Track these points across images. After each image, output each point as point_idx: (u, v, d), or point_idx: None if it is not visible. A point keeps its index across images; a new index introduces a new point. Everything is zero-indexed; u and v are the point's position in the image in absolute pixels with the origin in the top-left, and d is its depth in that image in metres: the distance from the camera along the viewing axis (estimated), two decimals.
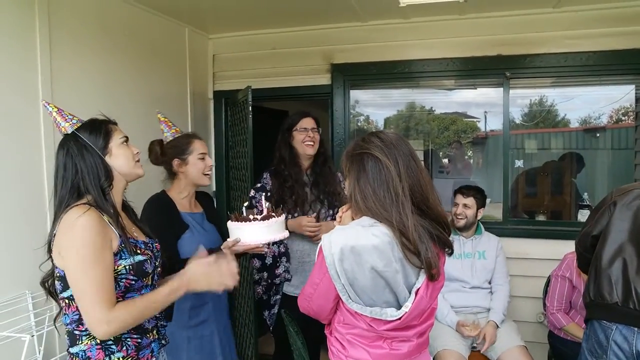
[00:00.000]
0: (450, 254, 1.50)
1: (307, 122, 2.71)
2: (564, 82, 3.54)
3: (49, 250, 1.47)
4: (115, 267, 1.44)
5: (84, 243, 1.36)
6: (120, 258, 1.46)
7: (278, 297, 2.71)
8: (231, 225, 2.01)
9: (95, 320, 1.35)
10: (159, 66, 3.32)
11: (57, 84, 2.40)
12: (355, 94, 3.86)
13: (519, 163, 4.15)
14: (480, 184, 6.62)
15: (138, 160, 1.63)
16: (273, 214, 2.02)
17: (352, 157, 1.49)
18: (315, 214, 2.66)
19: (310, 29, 3.68)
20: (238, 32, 3.85)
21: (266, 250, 2.05)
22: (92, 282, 1.35)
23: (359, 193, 1.46)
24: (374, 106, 4.95)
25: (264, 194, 2.65)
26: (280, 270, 2.68)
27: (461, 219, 2.96)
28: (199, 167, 2.19)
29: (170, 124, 2.31)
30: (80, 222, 1.37)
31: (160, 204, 2.15)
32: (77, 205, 1.43)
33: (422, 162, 1.50)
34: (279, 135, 2.76)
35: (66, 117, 1.52)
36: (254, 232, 1.95)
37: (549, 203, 4.22)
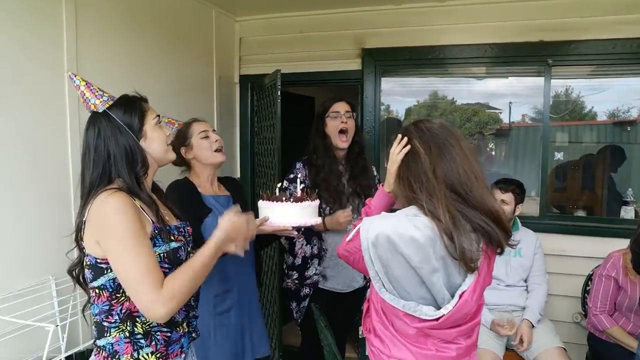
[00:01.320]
0: (500, 253, 1.37)
1: (340, 106, 2.59)
2: (610, 70, 3.34)
3: (78, 238, 1.39)
4: None
5: (121, 228, 1.28)
6: (155, 245, 1.37)
7: (308, 290, 2.62)
8: (261, 204, 1.93)
9: (149, 303, 1.26)
10: (185, 49, 3.23)
11: (82, 63, 2.32)
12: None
13: (558, 155, 3.96)
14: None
15: (170, 144, 1.54)
16: (307, 197, 1.93)
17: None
18: (351, 207, 2.55)
19: (340, 11, 3.54)
20: (266, 15, 3.73)
21: (295, 233, 1.97)
22: (138, 266, 1.27)
23: (398, 183, 1.43)
24: (396, 95, 4.80)
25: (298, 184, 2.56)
26: (310, 273, 2.58)
27: None
28: (205, 146, 2.12)
29: (173, 121, 2.23)
30: (112, 206, 1.29)
31: (181, 187, 2.08)
32: (106, 190, 1.34)
33: (471, 151, 1.37)
34: (313, 125, 2.64)
35: (96, 93, 1.42)
36: (285, 213, 1.86)
37: (586, 198, 4.04)
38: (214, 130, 2.20)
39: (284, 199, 1.88)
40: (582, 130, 5.12)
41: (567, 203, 4.02)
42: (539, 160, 3.41)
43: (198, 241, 1.94)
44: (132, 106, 1.44)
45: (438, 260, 1.26)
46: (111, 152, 1.38)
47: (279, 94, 3.05)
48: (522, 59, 3.29)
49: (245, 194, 2.43)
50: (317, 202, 1.98)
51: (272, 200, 1.89)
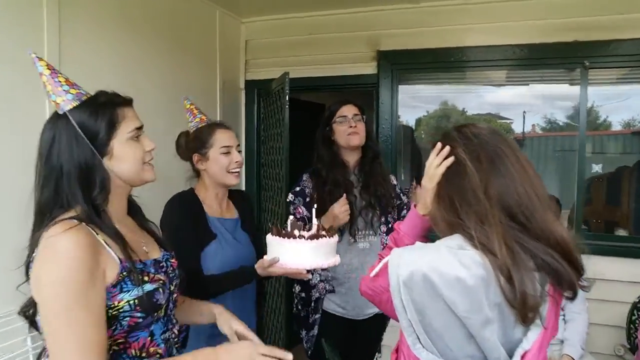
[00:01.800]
0: (572, 298, 1.06)
1: (347, 110, 2.30)
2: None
3: (28, 273, 1.12)
4: (115, 304, 1.08)
5: (63, 277, 1.00)
6: (122, 291, 1.09)
7: (318, 315, 2.32)
8: (270, 240, 1.64)
9: None
10: (186, 52, 2.97)
11: (66, 65, 2.06)
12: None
13: (596, 168, 3.63)
14: None
15: (150, 160, 1.25)
16: (324, 232, 1.64)
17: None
18: (363, 222, 2.27)
19: (354, 11, 3.27)
20: (273, 15, 3.48)
21: (310, 277, 1.68)
22: (70, 333, 0.99)
23: (437, 203, 1.13)
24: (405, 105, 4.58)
25: (302, 199, 2.28)
26: (315, 281, 2.28)
27: None
28: (222, 164, 1.83)
29: (196, 111, 1.96)
30: (63, 246, 1.01)
31: (185, 205, 1.80)
32: (62, 220, 1.07)
33: (529, 164, 1.07)
34: (317, 133, 2.37)
35: (59, 88, 1.14)
36: (298, 252, 1.57)
37: (620, 214, 3.70)
38: (238, 146, 1.91)
39: (297, 234, 1.59)
40: (606, 141, 4.79)
41: (591, 218, 3.69)
42: (572, 172, 3.09)
43: (195, 272, 1.68)
44: (101, 112, 1.15)
45: (492, 308, 0.97)
46: (64, 168, 1.10)
47: (287, 99, 2.78)
48: (555, 61, 2.99)
49: (254, 212, 2.14)
50: (336, 238, 1.69)
51: (283, 237, 1.60)
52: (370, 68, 3.31)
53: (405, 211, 2.46)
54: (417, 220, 1.24)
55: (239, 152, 1.90)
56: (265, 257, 1.66)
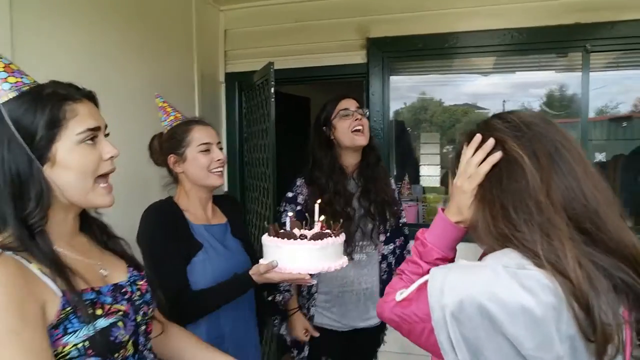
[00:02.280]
0: None
1: (348, 103, 2.07)
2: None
3: None
4: (60, 350, 0.85)
5: None
6: (66, 332, 0.87)
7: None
8: (267, 241, 1.42)
9: None
10: (160, 42, 2.70)
11: (20, 55, 1.79)
12: None
13: (600, 157, 3.49)
14: None
15: (107, 173, 1.01)
16: (329, 231, 1.42)
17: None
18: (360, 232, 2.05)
19: None
20: (254, 2, 3.22)
21: (314, 282, 1.45)
22: None
23: (482, 210, 0.89)
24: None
25: (294, 207, 2.05)
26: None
27: None
28: (202, 163, 1.61)
29: (169, 109, 1.73)
30: None
31: (162, 214, 1.57)
32: None
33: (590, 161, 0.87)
34: (312, 134, 2.13)
35: None
36: (300, 255, 1.36)
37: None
38: (219, 143, 1.69)
39: (298, 235, 1.37)
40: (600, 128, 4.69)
41: None
42: None
43: (179, 290, 1.44)
44: (41, 106, 0.92)
45: (563, 342, 0.77)
46: None
47: (272, 91, 2.54)
48: (555, 45, 2.82)
49: (242, 219, 1.91)
50: (343, 237, 1.46)
51: (282, 237, 1.38)
52: (359, 57, 3.09)
53: (404, 218, 2.26)
54: (448, 229, 1.01)
55: (220, 149, 1.68)
56: (261, 261, 1.45)
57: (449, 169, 1.05)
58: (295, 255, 1.35)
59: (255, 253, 1.84)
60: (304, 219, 1.98)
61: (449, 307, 0.80)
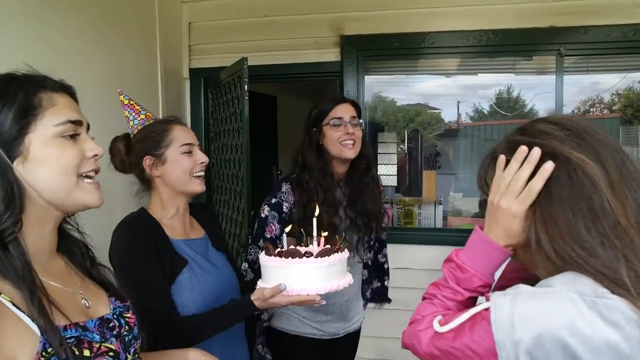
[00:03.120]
0: None
1: (343, 111, 1.87)
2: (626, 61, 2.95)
3: None
4: None
5: None
6: None
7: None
8: (268, 261, 1.26)
9: None
10: (120, 36, 2.47)
11: None
12: None
13: None
14: (474, 180, 6.24)
15: (90, 173, 0.86)
16: (335, 247, 1.29)
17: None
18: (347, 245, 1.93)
19: None
20: None
21: (324, 302, 1.30)
22: None
23: (539, 231, 0.77)
24: None
25: (278, 215, 1.88)
26: None
27: None
28: (185, 166, 1.44)
29: (138, 107, 1.54)
30: None
31: (139, 230, 1.38)
32: None
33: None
34: (303, 134, 1.94)
35: None
36: (306, 275, 1.22)
37: None
38: (199, 146, 1.52)
39: (304, 253, 1.23)
40: None
41: None
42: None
43: (164, 314, 1.26)
44: (12, 92, 0.77)
45: None
46: None
47: (246, 89, 2.39)
48: (529, 48, 2.83)
49: (221, 226, 1.74)
50: (347, 253, 1.34)
51: (286, 256, 1.23)
52: (333, 55, 2.98)
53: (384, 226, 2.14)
54: (494, 254, 0.86)
55: (202, 152, 1.52)
56: (260, 283, 1.29)
57: (478, 186, 0.92)
58: (303, 275, 1.22)
59: (237, 266, 1.69)
60: (281, 233, 1.85)
61: (524, 344, 0.69)
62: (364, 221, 1.92)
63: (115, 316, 0.90)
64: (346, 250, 1.32)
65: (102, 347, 0.80)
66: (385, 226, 2.07)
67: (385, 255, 2.19)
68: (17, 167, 0.77)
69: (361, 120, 1.92)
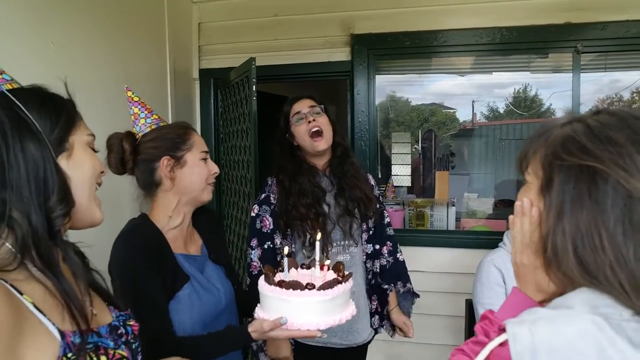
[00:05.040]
0: None
1: (301, 105, 1.94)
2: None
3: None
4: None
5: None
6: None
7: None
8: (268, 291, 1.20)
9: None
10: (129, 36, 2.46)
11: None
12: None
13: None
14: (490, 180, 6.14)
15: (100, 183, 0.90)
16: (338, 276, 1.22)
17: (566, 169, 0.71)
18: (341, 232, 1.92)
19: None
20: None
21: (325, 336, 1.23)
22: None
23: (580, 242, 0.68)
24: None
25: (268, 208, 1.89)
26: None
27: None
28: (202, 174, 1.41)
29: (150, 108, 1.51)
30: None
31: (142, 241, 1.32)
32: None
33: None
34: (276, 140, 2.00)
35: None
36: (309, 308, 1.15)
37: None
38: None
39: (306, 285, 1.16)
40: None
41: None
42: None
43: (160, 333, 1.21)
44: (57, 104, 0.84)
45: None
46: (9, 167, 0.74)
47: (254, 89, 2.37)
48: (545, 45, 2.75)
49: (223, 237, 1.69)
50: (351, 282, 1.27)
51: (287, 288, 1.16)
52: (343, 54, 2.94)
53: (387, 218, 2.13)
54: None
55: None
56: (258, 311, 1.23)
57: (517, 166, 0.85)
58: (304, 308, 1.16)
59: (236, 277, 1.64)
60: (277, 222, 1.86)
61: None
62: (355, 206, 1.95)
63: (121, 323, 0.88)
64: (350, 280, 1.25)
65: (116, 353, 0.80)
66: (376, 210, 2.04)
67: (401, 252, 2.14)
68: (61, 161, 0.81)
69: (320, 107, 1.94)
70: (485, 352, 0.71)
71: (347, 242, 1.94)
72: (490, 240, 2.58)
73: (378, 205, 2.06)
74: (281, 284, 1.17)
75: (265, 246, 1.86)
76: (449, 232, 3.04)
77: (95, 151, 0.90)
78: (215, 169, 1.45)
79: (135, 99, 1.52)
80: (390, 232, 2.13)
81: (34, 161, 0.75)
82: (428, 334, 2.83)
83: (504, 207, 4.51)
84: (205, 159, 1.43)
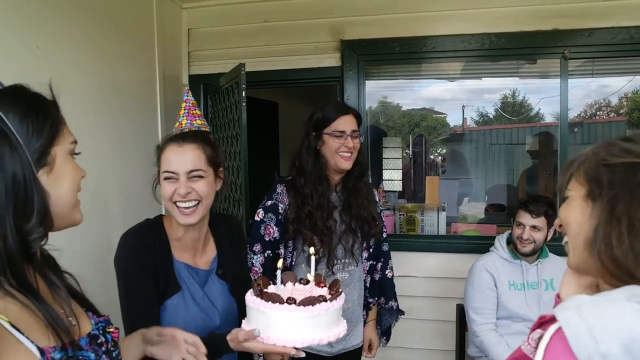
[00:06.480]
0: None
1: (346, 123, 1.87)
2: (633, 64, 2.89)
3: None
4: None
5: None
6: None
7: None
8: (250, 302, 1.16)
9: None
10: (119, 42, 2.45)
11: None
12: None
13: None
14: (480, 184, 6.17)
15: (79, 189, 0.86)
16: (325, 294, 1.17)
17: (612, 171, 0.79)
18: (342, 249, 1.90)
19: None
20: (219, 0, 3.02)
21: (302, 354, 1.18)
22: None
23: (629, 242, 0.74)
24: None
25: (275, 217, 1.86)
26: None
27: (528, 244, 2.25)
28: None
29: (198, 112, 1.66)
30: None
31: (142, 243, 1.31)
32: None
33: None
34: (302, 137, 1.94)
35: None
36: (287, 323, 1.11)
37: None
38: None
39: (287, 300, 1.12)
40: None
41: None
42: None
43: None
44: (41, 109, 0.78)
45: None
46: None
47: (243, 95, 2.36)
48: (533, 51, 2.78)
49: (239, 249, 1.59)
50: (341, 301, 1.20)
51: (267, 300, 1.12)
52: (333, 60, 2.95)
53: (385, 233, 2.11)
54: None
55: None
56: (243, 322, 1.20)
57: (559, 191, 0.96)
58: (283, 323, 1.10)
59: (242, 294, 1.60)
60: (283, 230, 1.84)
61: (614, 356, 0.64)
62: (358, 225, 1.93)
63: (100, 331, 0.86)
64: (339, 298, 1.19)
65: None
66: (379, 230, 2.03)
67: (392, 269, 2.14)
68: (41, 177, 0.76)
69: (361, 132, 1.94)
70: (542, 344, 0.71)
71: (347, 260, 1.92)
72: (481, 245, 2.59)
73: (377, 222, 2.01)
74: (262, 295, 1.13)
75: (266, 254, 1.84)
76: (440, 237, 3.05)
77: (77, 153, 0.86)
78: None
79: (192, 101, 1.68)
80: (385, 248, 2.12)
81: (14, 179, 0.71)
82: (418, 338, 2.83)
83: (495, 211, 4.54)
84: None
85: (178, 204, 1.31)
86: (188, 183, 1.30)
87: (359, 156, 1.93)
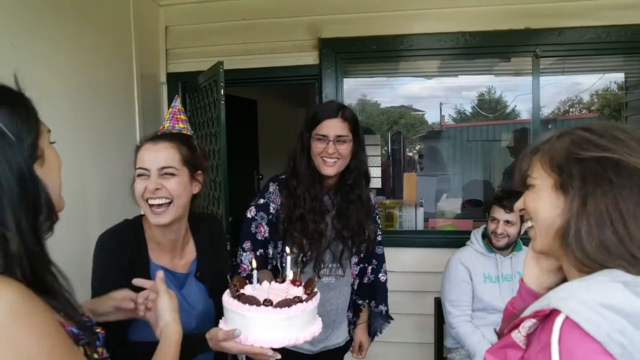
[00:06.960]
0: None
1: (330, 127, 1.74)
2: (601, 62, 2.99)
3: None
4: None
5: None
6: None
7: None
8: (227, 303, 1.16)
9: None
10: (95, 40, 2.42)
11: None
12: None
13: None
14: (457, 181, 6.27)
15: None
16: (302, 295, 1.18)
17: (583, 166, 0.80)
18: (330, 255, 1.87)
19: None
20: None
21: (278, 356, 1.19)
22: None
23: (604, 223, 0.77)
24: None
25: (266, 216, 1.82)
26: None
27: (502, 238, 2.31)
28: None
29: (182, 116, 1.68)
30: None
31: (118, 245, 1.31)
32: None
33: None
34: (298, 135, 1.85)
35: None
36: (263, 325, 1.12)
37: None
38: None
39: (263, 302, 1.12)
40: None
41: None
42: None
43: (115, 336, 1.15)
44: (23, 105, 0.80)
45: None
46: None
47: (222, 93, 2.36)
48: (506, 49, 2.85)
49: (224, 251, 1.61)
50: (316, 302, 1.22)
51: (243, 302, 1.11)
52: (311, 58, 2.97)
53: (380, 237, 2.07)
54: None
55: None
56: (221, 323, 1.20)
57: (517, 181, 0.97)
58: (260, 324, 1.11)
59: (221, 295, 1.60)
60: (274, 230, 1.80)
61: (629, 330, 0.67)
62: (349, 232, 1.85)
63: (90, 325, 0.87)
64: (314, 299, 1.20)
65: (104, 353, 0.83)
66: (373, 247, 1.99)
67: (385, 272, 2.10)
68: (37, 171, 0.77)
69: (348, 137, 1.77)
70: (554, 339, 0.72)
71: (334, 264, 1.88)
72: (457, 240, 2.65)
73: (372, 226, 1.94)
74: (239, 296, 1.14)
75: (257, 253, 1.80)
76: (418, 232, 3.10)
77: (52, 142, 0.87)
78: None
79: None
80: (379, 251, 2.07)
81: (21, 176, 0.71)
82: (397, 332, 2.87)
83: (472, 207, 4.62)
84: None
85: (150, 201, 1.30)
86: (158, 180, 1.29)
87: (352, 162, 1.82)
